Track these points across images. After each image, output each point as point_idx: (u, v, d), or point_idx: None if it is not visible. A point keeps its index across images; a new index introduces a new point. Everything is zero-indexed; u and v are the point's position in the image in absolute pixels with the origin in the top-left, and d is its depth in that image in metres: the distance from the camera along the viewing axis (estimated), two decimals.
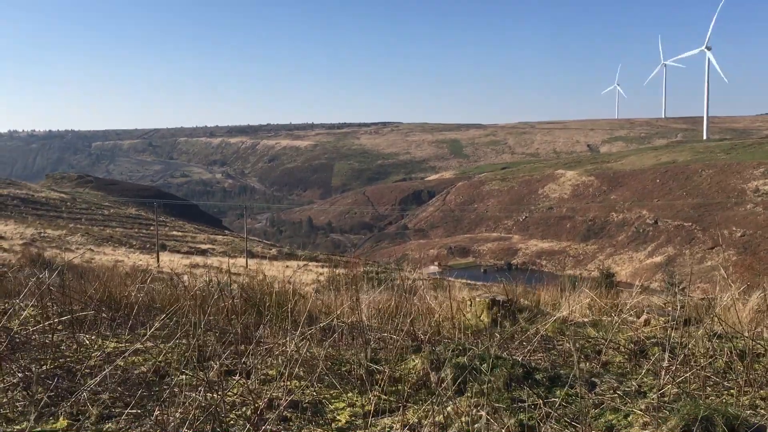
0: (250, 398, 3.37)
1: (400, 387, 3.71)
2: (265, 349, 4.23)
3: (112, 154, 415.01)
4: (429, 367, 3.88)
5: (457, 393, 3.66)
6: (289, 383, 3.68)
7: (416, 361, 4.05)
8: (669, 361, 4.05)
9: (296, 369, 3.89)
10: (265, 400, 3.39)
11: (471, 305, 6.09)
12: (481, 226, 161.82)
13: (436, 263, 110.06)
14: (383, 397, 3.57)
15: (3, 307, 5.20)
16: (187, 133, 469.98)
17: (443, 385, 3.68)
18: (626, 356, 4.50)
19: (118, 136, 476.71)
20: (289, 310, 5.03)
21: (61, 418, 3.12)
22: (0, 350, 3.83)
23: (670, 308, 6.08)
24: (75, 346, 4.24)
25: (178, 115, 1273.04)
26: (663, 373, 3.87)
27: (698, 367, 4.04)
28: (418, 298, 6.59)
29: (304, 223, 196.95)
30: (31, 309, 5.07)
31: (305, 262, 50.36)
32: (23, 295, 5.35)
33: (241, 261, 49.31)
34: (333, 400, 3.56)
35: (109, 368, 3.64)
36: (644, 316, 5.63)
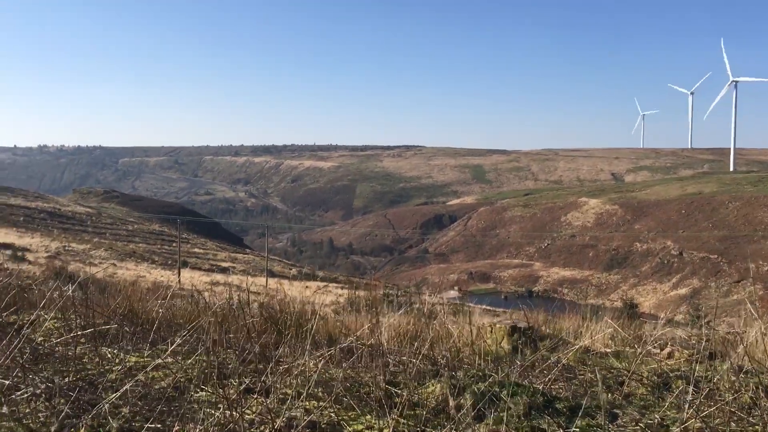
0: (269, 417, 3.37)
1: (418, 411, 3.69)
2: (284, 368, 4.24)
3: (139, 170, 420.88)
4: (448, 393, 3.85)
5: (477, 419, 3.63)
6: (307, 403, 3.68)
7: (435, 386, 4.03)
8: (693, 394, 3.98)
9: (314, 389, 3.89)
10: (284, 419, 3.39)
11: (491, 331, 6.05)
12: (502, 252, 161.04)
13: (456, 288, 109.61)
14: (401, 420, 3.55)
15: (27, 318, 5.27)
16: (212, 151, 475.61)
17: (462, 411, 3.65)
18: (649, 388, 4.44)
19: (145, 152, 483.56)
20: (308, 330, 5.04)
21: (82, 430, 3.15)
22: (24, 361, 3.88)
23: (694, 341, 6.00)
24: (97, 359, 4.28)
25: (203, 133, 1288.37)
26: (686, 406, 3.80)
27: (723, 402, 3.97)
28: (437, 323, 6.56)
29: (324, 243, 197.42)
30: (55, 321, 5.14)
31: (325, 283, 50.42)
32: (47, 307, 5.42)
33: (261, 280, 49.49)
34: (351, 422, 3.55)
35: (130, 382, 3.67)
36: (668, 349, 5.55)
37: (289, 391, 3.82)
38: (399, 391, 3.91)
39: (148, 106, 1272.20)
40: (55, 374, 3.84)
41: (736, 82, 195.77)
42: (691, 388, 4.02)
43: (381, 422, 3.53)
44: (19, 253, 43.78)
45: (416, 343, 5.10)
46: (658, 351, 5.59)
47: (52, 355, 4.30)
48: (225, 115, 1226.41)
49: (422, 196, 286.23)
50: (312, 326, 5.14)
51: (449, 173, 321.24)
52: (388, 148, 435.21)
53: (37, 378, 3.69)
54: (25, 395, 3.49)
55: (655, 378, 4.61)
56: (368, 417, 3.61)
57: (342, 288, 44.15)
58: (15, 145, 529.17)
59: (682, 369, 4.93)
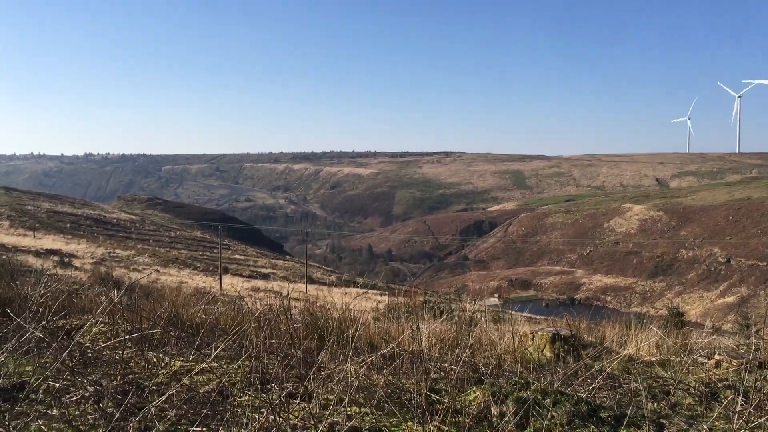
0: (311, 422, 3.39)
1: (460, 418, 3.67)
2: (326, 374, 4.26)
3: (181, 177, 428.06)
4: (490, 400, 3.82)
5: (519, 427, 3.60)
6: (349, 409, 3.69)
7: (477, 393, 4.00)
8: (742, 405, 3.88)
9: (356, 395, 3.90)
10: (326, 424, 3.41)
11: (533, 339, 6.00)
12: (543, 258, 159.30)
13: (496, 295, 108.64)
14: (443, 428, 3.53)
15: (76, 323, 5.40)
16: (252, 158, 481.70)
17: (505, 419, 3.63)
18: (696, 398, 4.34)
19: (187, 160, 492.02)
20: (349, 336, 5.06)
21: None
22: (73, 364, 3.98)
23: (743, 350, 5.85)
24: (143, 363, 4.37)
25: (244, 141, 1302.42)
26: (736, 417, 3.71)
27: None
28: (478, 330, 6.52)
29: (364, 250, 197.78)
30: (102, 326, 5.25)
31: (364, 290, 50.51)
32: (95, 312, 5.54)
33: (301, 286, 49.83)
34: (393, 428, 3.55)
35: (176, 386, 3.73)
36: (716, 358, 5.43)
37: (331, 397, 3.84)
38: (440, 398, 3.90)
39: (190, 114, 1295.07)
40: (103, 377, 3.93)
41: None
42: (740, 399, 3.92)
43: (423, 429, 3.52)
44: (66, 259, 44.90)
45: (457, 350, 5.08)
46: (706, 360, 5.47)
47: (100, 358, 4.40)
48: (265, 123, 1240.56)
49: (462, 202, 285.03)
50: (353, 332, 5.16)
51: (489, 179, 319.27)
52: (428, 154, 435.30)
53: (86, 381, 3.78)
54: (75, 398, 3.58)
55: (703, 388, 4.51)
56: (410, 423, 3.61)
57: (381, 295, 44.13)
58: (62, 154, 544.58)
59: (731, 379, 4.81)
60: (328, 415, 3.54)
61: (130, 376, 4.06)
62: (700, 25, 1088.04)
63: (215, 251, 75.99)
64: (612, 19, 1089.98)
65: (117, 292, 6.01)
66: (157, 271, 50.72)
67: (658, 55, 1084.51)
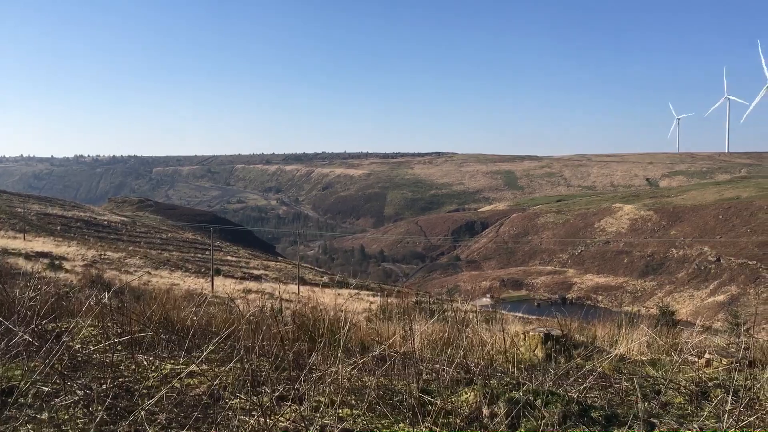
0: (303, 425, 3.38)
1: (452, 419, 3.67)
2: (317, 376, 4.25)
3: (172, 179, 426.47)
4: (482, 401, 3.82)
5: (510, 428, 3.60)
6: (340, 411, 3.68)
7: (469, 394, 4.00)
8: (732, 404, 3.90)
9: (347, 397, 3.89)
10: (317, 426, 3.40)
11: (525, 339, 6.00)
12: (535, 258, 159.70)
13: (488, 295, 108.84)
14: (435, 429, 3.53)
15: (65, 326, 5.36)
16: (244, 160, 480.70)
17: (496, 420, 3.63)
18: (687, 397, 4.35)
19: (178, 162, 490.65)
20: (341, 337, 5.04)
21: None
22: (62, 368, 3.95)
23: (733, 349, 5.88)
24: (133, 367, 4.34)
25: (236, 142, 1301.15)
26: (726, 416, 3.72)
27: (764, 412, 3.88)
28: (470, 331, 6.52)
29: (356, 251, 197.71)
30: (92, 329, 5.22)
31: (357, 291, 50.47)
32: (85, 315, 5.50)
33: (293, 287, 49.77)
34: (384, 430, 3.54)
35: (166, 389, 3.71)
36: (706, 357, 5.45)
37: (323, 399, 3.82)
38: (432, 399, 3.89)
39: (181, 116, 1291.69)
40: (93, 381, 3.90)
41: None
42: (730, 397, 3.93)
43: (414, 430, 3.52)
44: (57, 262, 44.60)
45: (449, 351, 5.08)
46: (696, 359, 5.49)
47: (89, 362, 4.37)
48: (256, 124, 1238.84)
49: (453, 202, 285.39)
50: (345, 334, 5.15)
51: (481, 180, 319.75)
52: (419, 155, 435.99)
53: (75, 385, 3.75)
54: (64, 402, 3.55)
55: (693, 387, 4.52)
56: (401, 425, 3.60)
57: (374, 295, 44.10)
58: (52, 156, 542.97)
59: (721, 377, 4.83)
60: (320, 418, 3.53)
61: (120, 379, 4.03)
62: (696, 24, 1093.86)
63: (207, 253, 75.73)
64: (605, 20, 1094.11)
65: (107, 295, 5.97)
66: (149, 273, 50.47)
67: (650, 55, 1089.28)
